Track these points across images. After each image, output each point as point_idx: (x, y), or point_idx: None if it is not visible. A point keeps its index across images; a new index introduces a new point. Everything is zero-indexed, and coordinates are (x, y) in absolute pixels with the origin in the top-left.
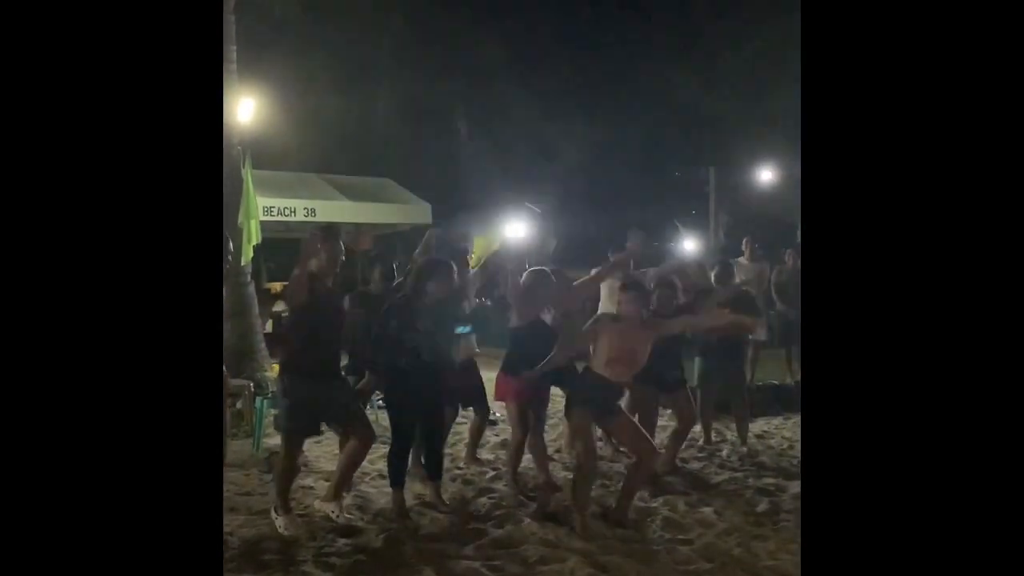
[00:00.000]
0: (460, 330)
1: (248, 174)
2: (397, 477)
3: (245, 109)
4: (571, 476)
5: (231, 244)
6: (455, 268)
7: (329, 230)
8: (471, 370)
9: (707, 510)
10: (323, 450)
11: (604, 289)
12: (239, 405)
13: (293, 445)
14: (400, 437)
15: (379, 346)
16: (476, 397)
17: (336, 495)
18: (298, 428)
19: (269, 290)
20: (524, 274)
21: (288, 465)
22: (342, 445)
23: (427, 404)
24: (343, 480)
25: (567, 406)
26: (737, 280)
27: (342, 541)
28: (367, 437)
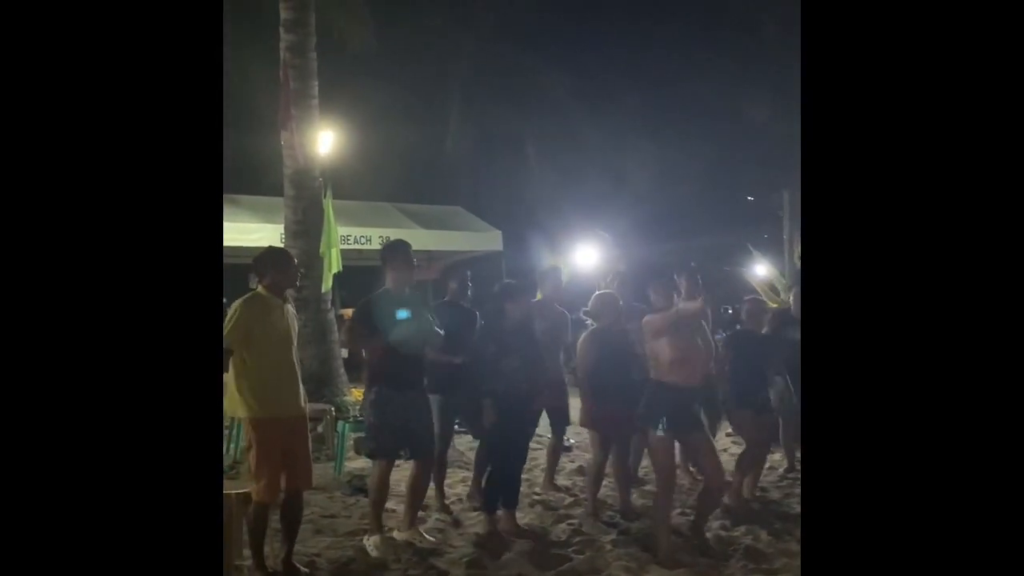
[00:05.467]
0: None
1: (329, 205)
2: (492, 504)
3: (325, 142)
4: (647, 501)
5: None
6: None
7: (400, 244)
8: (559, 388)
9: (791, 539)
10: (402, 473)
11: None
12: (320, 429)
13: (384, 464)
14: (501, 463)
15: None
16: (559, 416)
17: (411, 523)
18: (383, 447)
19: (343, 316)
20: (592, 298)
21: (378, 484)
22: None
23: (523, 428)
24: (414, 506)
25: (643, 425)
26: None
27: (426, 564)
28: (429, 460)
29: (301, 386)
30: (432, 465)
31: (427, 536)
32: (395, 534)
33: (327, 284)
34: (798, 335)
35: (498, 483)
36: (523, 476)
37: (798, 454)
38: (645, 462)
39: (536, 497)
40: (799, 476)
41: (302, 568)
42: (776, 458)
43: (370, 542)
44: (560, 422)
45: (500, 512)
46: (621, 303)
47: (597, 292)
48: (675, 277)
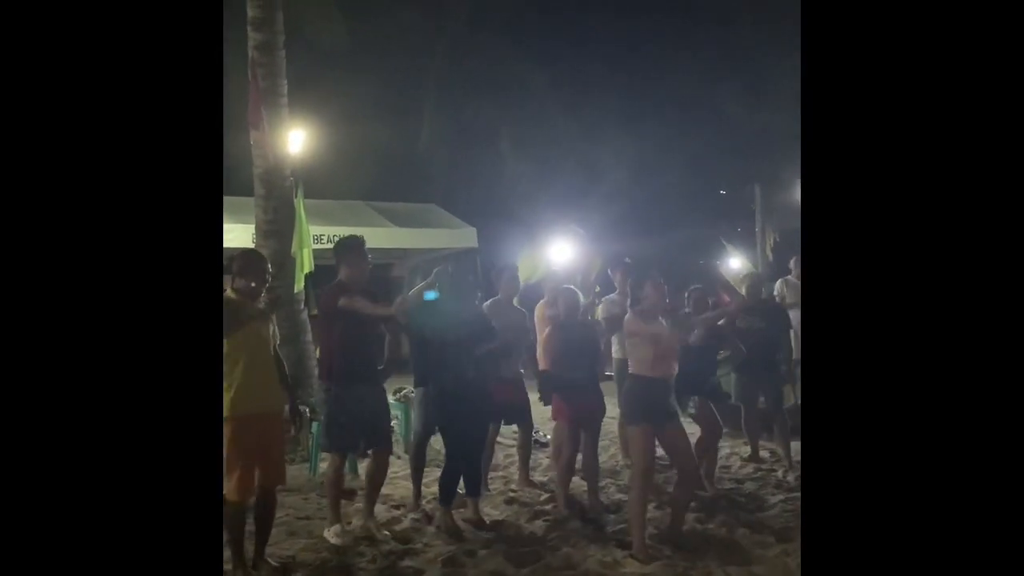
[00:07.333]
0: (429, 296)
1: (300, 204)
2: (448, 496)
3: (295, 140)
4: (625, 496)
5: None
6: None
7: (353, 240)
8: (518, 385)
9: (765, 531)
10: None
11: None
12: (293, 431)
13: (337, 459)
14: (455, 456)
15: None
16: (520, 413)
17: (369, 514)
18: (335, 440)
19: (316, 316)
20: (556, 293)
21: (333, 478)
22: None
23: (475, 421)
24: (371, 497)
25: (624, 416)
26: (778, 297)
27: (402, 564)
28: (385, 453)
29: (277, 385)
30: (388, 459)
31: (383, 530)
32: (353, 524)
33: (299, 284)
34: (772, 326)
35: (450, 477)
36: (499, 474)
37: (769, 445)
38: (614, 449)
39: (512, 494)
40: (770, 469)
41: (273, 562)
42: (747, 450)
43: (330, 531)
44: (522, 420)
45: (471, 500)
46: (581, 297)
47: (561, 287)
48: (609, 272)
